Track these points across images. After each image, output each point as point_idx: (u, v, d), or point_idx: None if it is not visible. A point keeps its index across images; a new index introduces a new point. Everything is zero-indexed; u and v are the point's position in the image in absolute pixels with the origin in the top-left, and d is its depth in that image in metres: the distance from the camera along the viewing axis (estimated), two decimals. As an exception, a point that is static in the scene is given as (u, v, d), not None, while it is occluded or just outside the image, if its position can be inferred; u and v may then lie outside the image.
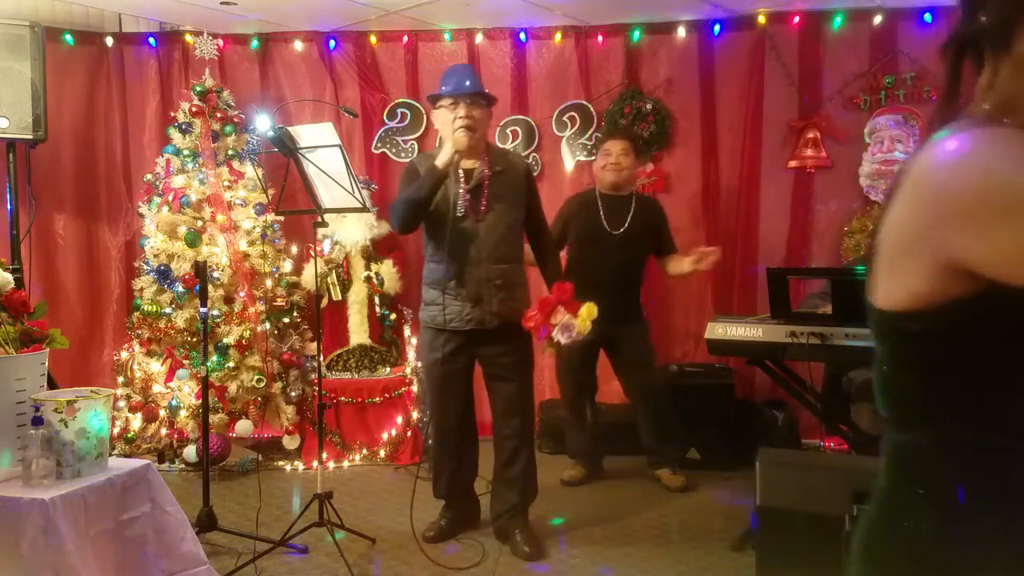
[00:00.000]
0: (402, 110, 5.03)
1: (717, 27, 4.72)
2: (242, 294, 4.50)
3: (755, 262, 4.73)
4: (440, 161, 3.10)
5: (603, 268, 3.86)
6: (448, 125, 3.17)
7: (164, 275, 4.41)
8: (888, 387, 1.01)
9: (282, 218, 4.64)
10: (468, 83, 3.20)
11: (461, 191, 3.18)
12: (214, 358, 4.34)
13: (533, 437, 3.54)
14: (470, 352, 3.28)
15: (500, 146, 3.57)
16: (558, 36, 4.89)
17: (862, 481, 2.49)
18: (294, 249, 4.86)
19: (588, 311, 3.05)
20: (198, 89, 4.62)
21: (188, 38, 4.96)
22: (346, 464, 4.50)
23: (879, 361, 1.01)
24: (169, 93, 5.04)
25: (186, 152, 4.57)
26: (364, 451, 4.54)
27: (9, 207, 4.30)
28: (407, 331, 4.79)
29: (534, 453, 3.44)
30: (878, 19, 4.52)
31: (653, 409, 4.10)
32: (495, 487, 3.42)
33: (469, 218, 3.17)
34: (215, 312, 4.37)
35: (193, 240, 4.43)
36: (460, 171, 3.20)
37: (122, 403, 4.38)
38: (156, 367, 4.46)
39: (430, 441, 4.60)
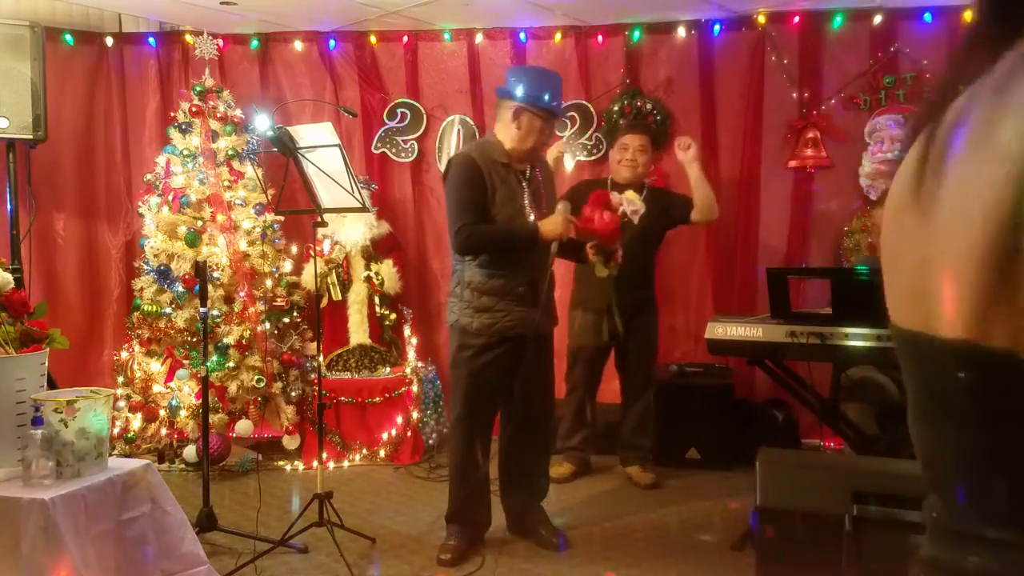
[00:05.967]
0: (402, 110, 5.02)
1: (717, 27, 4.72)
2: (242, 294, 4.50)
3: (755, 262, 4.73)
4: (545, 231, 3.03)
5: None
6: (535, 134, 3.09)
7: (164, 275, 4.41)
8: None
9: (282, 218, 4.64)
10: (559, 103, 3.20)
11: (527, 199, 3.13)
12: (214, 358, 4.34)
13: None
14: (514, 356, 3.13)
15: None
16: (558, 36, 4.88)
17: (862, 481, 2.50)
18: (294, 249, 4.85)
19: (630, 195, 3.28)
20: (198, 89, 4.62)
21: (188, 38, 4.96)
22: (346, 464, 4.49)
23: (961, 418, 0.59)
24: (169, 93, 5.04)
25: (186, 152, 4.57)
26: (364, 451, 4.54)
27: (9, 207, 4.29)
28: (407, 331, 4.78)
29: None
30: (878, 19, 4.52)
31: (641, 403, 4.16)
32: (509, 485, 3.38)
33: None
34: (215, 312, 4.37)
35: (193, 240, 4.43)
36: (524, 172, 3.17)
37: (122, 403, 4.38)
38: (156, 367, 4.46)
39: (430, 441, 4.65)
